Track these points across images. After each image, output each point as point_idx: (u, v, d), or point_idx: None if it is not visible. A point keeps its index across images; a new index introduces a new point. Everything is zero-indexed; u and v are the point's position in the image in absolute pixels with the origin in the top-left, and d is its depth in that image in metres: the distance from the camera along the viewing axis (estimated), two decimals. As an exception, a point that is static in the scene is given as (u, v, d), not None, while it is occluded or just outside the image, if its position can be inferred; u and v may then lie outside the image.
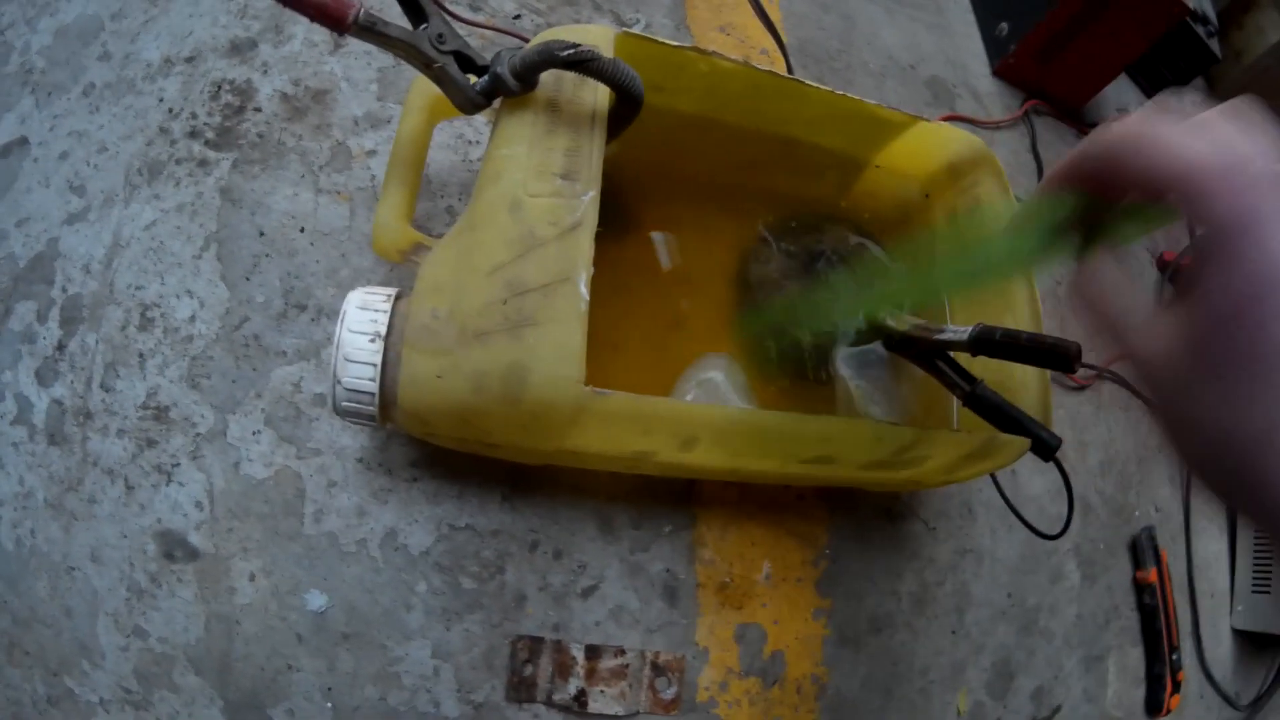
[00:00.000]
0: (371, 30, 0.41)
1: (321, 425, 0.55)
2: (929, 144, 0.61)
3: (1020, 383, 0.55)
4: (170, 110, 0.60)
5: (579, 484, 0.57)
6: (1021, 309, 0.56)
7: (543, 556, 0.56)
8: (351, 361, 0.45)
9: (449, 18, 0.46)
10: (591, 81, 0.47)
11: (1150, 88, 1.03)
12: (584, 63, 0.43)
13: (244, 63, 0.61)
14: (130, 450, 0.53)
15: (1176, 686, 0.78)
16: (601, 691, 0.54)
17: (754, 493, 0.61)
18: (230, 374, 0.55)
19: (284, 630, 0.52)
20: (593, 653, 0.55)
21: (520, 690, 0.53)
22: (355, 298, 0.46)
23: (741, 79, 0.55)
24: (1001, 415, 0.53)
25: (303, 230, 0.59)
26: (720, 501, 0.60)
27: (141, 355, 0.55)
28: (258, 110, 0.61)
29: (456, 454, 0.55)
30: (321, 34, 0.63)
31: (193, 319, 0.56)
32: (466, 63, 0.45)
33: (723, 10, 0.76)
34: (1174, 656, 0.79)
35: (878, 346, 0.60)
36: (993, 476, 0.69)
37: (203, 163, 0.59)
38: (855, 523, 0.65)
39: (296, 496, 0.54)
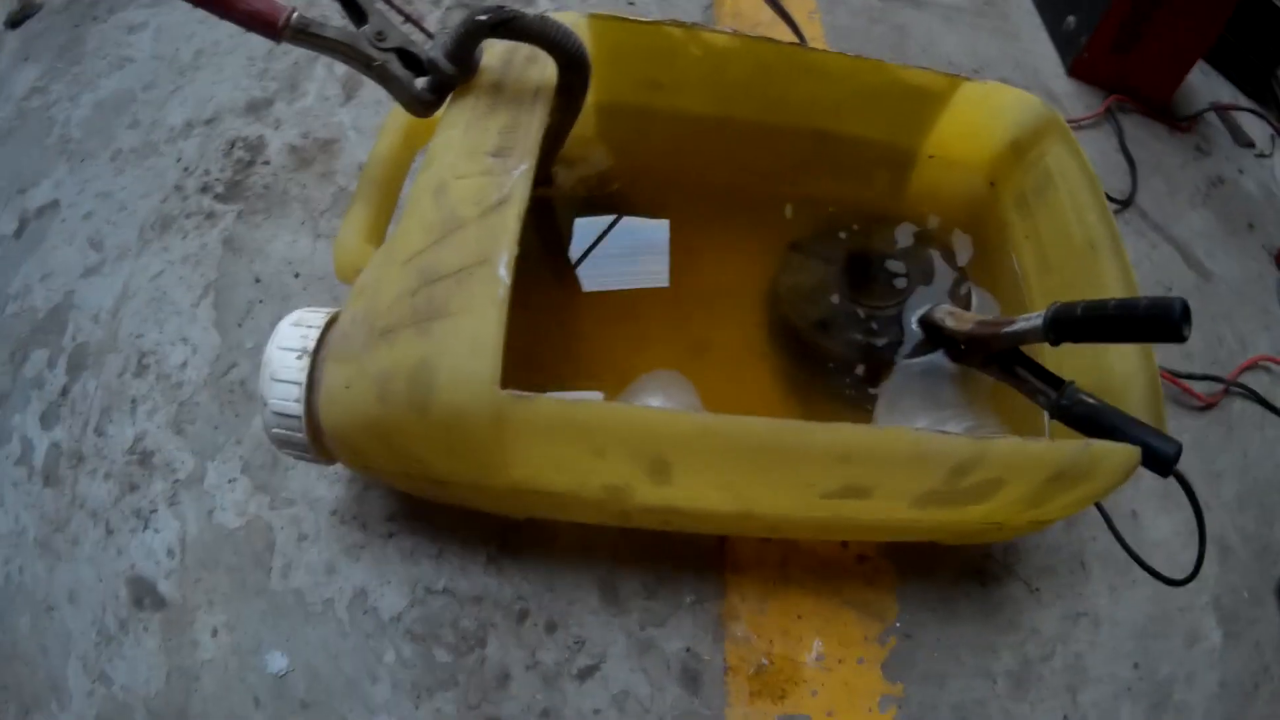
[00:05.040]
0: (306, 33, 0.32)
1: (297, 474, 0.44)
2: (983, 117, 0.42)
3: (1122, 382, 0.35)
4: (186, 169, 0.54)
5: (581, 543, 0.41)
6: (1113, 288, 0.35)
7: (532, 629, 0.39)
8: (278, 381, 0.33)
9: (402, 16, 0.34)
10: (541, 59, 0.35)
11: (1240, 77, 0.76)
12: (506, 22, 0.32)
13: (258, 120, 0.54)
14: (114, 494, 0.44)
15: (1342, 755, 0.50)
16: (597, 797, 0.35)
17: (801, 555, 0.42)
18: (214, 420, 0.45)
19: (242, 691, 0.40)
20: (586, 747, 0.35)
21: (498, 787, 0.35)
22: (292, 315, 0.35)
23: (742, 57, 0.40)
24: (1100, 423, 0.32)
25: (297, 275, 0.49)
26: (758, 565, 0.42)
27: (134, 401, 0.46)
28: (266, 163, 0.53)
29: (438, 508, 0.42)
30: (334, 88, 0.54)
31: (184, 365, 0.47)
32: (412, 61, 0.34)
33: (758, 28, 0.60)
34: (1338, 721, 0.50)
35: (942, 361, 0.39)
36: (1105, 516, 0.44)
37: (210, 215, 0.52)
38: (934, 588, 0.44)
39: (266, 549, 0.42)
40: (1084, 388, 0.37)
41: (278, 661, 0.40)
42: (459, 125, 0.33)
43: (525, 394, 0.27)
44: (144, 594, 0.41)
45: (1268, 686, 0.52)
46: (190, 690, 0.39)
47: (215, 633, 0.40)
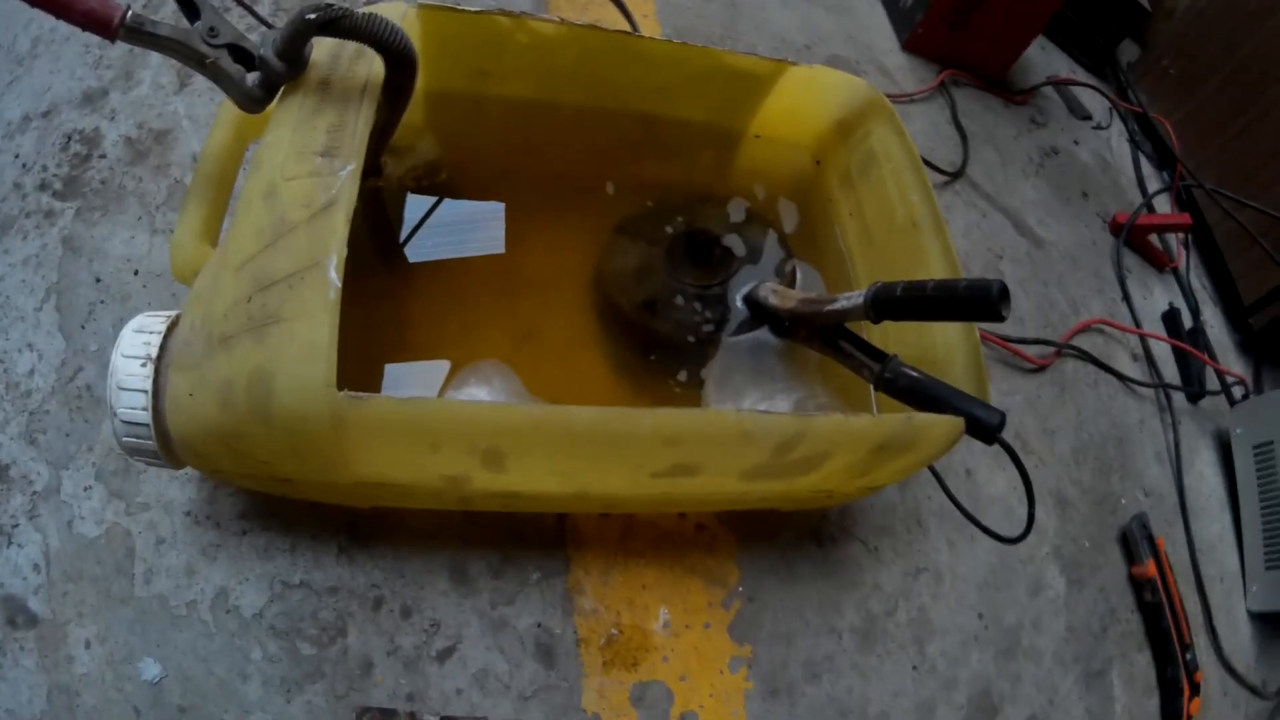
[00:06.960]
0: (140, 32, 0.32)
1: (150, 478, 0.43)
2: (809, 99, 0.42)
3: (945, 354, 0.36)
4: (24, 165, 0.51)
5: (427, 529, 0.41)
6: (935, 265, 0.35)
7: (388, 615, 0.39)
8: (124, 390, 0.33)
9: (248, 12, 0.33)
10: (369, 53, 0.35)
11: (1078, 51, 0.78)
12: (333, 22, 0.32)
13: (94, 111, 0.52)
14: (-25, 514, 0.44)
15: (1195, 689, 0.56)
16: (463, 768, 0.35)
17: (640, 527, 0.43)
18: (64, 427, 0.44)
19: (121, 703, 0.39)
20: (449, 725, 0.36)
21: (371, 768, 0.35)
22: (135, 321, 0.34)
23: (569, 45, 0.39)
24: (923, 394, 0.33)
25: (136, 273, 0.48)
26: (599, 540, 0.43)
27: (-15, 415, 0.46)
28: (103, 157, 0.51)
29: (288, 503, 0.43)
30: (169, 75, 0.52)
31: (32, 373, 0.45)
32: (243, 56, 0.34)
33: (589, 9, 0.58)
34: (1188, 656, 0.57)
35: (769, 337, 0.39)
36: (937, 477, 0.47)
37: (49, 214, 0.50)
38: (774, 552, 0.45)
39: (126, 556, 0.41)
40: (908, 359, 0.38)
41: (151, 669, 0.40)
42: (288, 125, 0.33)
43: (360, 395, 0.28)
44: (16, 613, 0.40)
45: (1116, 628, 0.56)
46: (73, 707, 0.39)
47: (89, 645, 0.40)
